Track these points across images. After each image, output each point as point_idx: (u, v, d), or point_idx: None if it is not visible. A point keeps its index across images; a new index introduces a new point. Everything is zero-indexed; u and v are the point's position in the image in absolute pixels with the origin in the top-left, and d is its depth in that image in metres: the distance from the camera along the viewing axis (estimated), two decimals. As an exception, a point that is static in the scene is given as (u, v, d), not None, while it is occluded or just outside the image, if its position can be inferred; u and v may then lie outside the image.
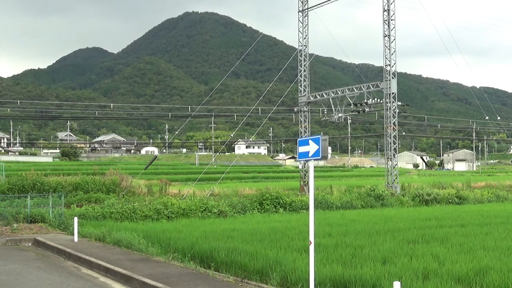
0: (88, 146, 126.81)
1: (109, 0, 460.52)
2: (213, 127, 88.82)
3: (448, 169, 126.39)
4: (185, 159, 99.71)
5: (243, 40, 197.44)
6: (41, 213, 20.20)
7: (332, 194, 32.09)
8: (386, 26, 35.17)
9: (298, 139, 9.21)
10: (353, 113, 39.42)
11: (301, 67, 40.40)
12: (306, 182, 37.89)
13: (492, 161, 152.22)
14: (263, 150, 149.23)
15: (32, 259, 13.84)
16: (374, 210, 26.16)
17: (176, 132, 56.66)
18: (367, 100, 36.58)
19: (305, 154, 8.64)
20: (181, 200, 25.39)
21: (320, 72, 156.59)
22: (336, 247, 12.81)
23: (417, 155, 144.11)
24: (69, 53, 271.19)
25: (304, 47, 40.43)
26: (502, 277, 9.22)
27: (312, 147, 8.46)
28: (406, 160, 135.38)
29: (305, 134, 39.33)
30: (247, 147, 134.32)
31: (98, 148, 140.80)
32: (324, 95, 39.89)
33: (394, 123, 34.95)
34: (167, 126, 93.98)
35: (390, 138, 35.08)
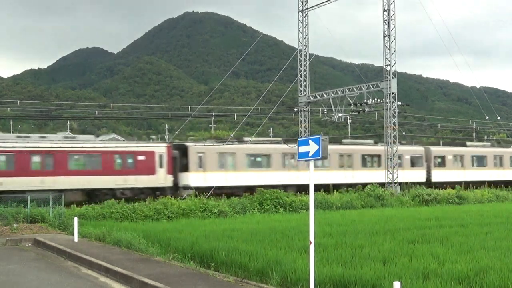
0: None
1: (109, 0, 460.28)
2: (213, 127, 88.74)
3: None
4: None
5: (243, 40, 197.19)
6: (41, 213, 20.21)
7: (332, 194, 32.10)
8: (386, 26, 35.17)
9: (298, 139, 9.21)
10: (353, 113, 39.42)
11: (301, 67, 40.40)
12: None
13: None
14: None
15: (32, 259, 13.84)
16: (374, 210, 26.18)
17: (176, 132, 56.61)
18: (367, 100, 36.59)
19: (305, 154, 8.64)
20: (181, 200, 25.39)
21: (320, 72, 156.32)
22: (336, 247, 12.82)
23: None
24: (69, 53, 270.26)
25: (304, 47, 40.43)
26: (502, 277, 9.22)
27: (312, 147, 8.47)
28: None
29: (305, 134, 39.32)
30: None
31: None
32: (324, 95, 39.88)
33: (394, 123, 34.95)
34: (167, 126, 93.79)
35: (390, 138, 35.08)
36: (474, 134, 78.74)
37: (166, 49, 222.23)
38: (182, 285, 9.61)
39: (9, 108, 64.18)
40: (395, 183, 34.68)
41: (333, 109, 38.56)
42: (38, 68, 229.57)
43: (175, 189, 32.10)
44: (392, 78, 34.65)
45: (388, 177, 35.03)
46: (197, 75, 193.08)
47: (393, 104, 34.72)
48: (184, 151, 33.04)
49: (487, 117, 64.57)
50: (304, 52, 40.46)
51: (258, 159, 35.02)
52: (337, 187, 33.52)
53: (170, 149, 33.06)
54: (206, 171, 33.00)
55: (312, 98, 40.38)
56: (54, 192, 26.15)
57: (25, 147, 28.90)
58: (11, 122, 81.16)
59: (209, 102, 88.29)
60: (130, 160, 31.60)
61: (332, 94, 39.01)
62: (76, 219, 16.51)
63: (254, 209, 24.67)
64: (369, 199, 29.28)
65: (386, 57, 35.03)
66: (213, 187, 30.78)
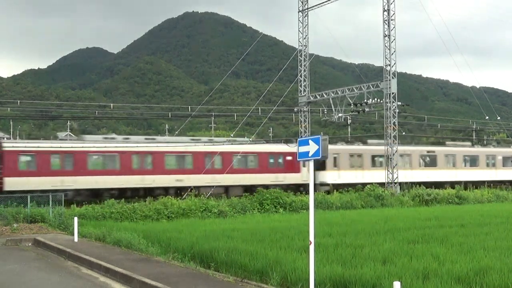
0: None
1: (109, 0, 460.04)
2: (213, 127, 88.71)
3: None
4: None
5: (243, 40, 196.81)
6: (41, 213, 20.19)
7: (332, 194, 32.10)
8: (386, 26, 35.17)
9: (298, 139, 9.21)
10: (353, 113, 39.44)
11: (301, 67, 40.40)
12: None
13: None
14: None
15: (32, 259, 13.84)
16: (374, 210, 26.18)
17: (176, 132, 56.66)
18: (367, 100, 36.60)
19: (305, 154, 8.64)
20: (181, 200, 25.40)
21: (320, 72, 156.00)
22: (336, 247, 12.81)
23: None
24: (69, 53, 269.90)
25: (304, 47, 40.43)
26: (502, 277, 9.21)
27: (312, 147, 8.47)
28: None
29: (305, 134, 39.33)
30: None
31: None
32: (324, 95, 39.89)
33: (394, 123, 34.96)
34: (167, 126, 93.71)
35: (390, 138, 35.08)
36: (474, 134, 78.68)
37: (166, 49, 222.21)
38: (182, 285, 9.61)
39: (9, 108, 64.21)
40: (395, 183, 34.70)
41: (333, 109, 38.57)
42: (38, 68, 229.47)
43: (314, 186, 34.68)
44: (392, 78, 34.65)
45: (388, 177, 35.03)
46: (197, 75, 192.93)
47: (393, 104, 34.72)
48: None
49: (487, 117, 64.55)
50: (304, 52, 40.46)
51: (380, 159, 39.44)
52: (442, 184, 39.46)
53: None
54: (340, 169, 37.82)
55: (312, 98, 40.38)
56: (221, 188, 32.69)
57: (198, 148, 33.38)
58: (11, 122, 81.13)
59: (209, 102, 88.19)
60: (280, 160, 36.22)
61: (332, 94, 39.01)
62: (76, 219, 16.51)
63: (254, 209, 24.66)
64: (369, 199, 29.27)
65: (386, 57, 35.03)
66: (346, 184, 35.46)
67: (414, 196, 31.34)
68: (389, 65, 34.90)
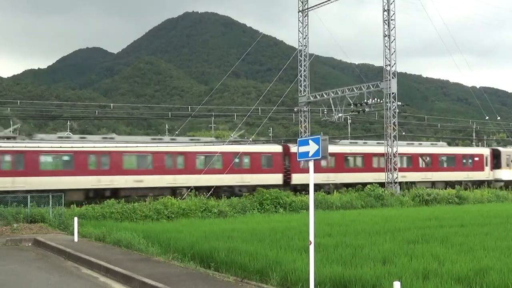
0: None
1: (109, 0, 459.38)
2: (213, 127, 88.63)
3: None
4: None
5: (243, 40, 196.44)
6: (41, 213, 20.19)
7: (332, 194, 32.09)
8: (386, 26, 35.17)
9: (298, 139, 9.20)
10: (353, 113, 39.42)
11: (301, 67, 40.39)
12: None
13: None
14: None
15: (32, 259, 13.84)
16: (374, 210, 26.17)
17: (176, 132, 56.61)
18: (367, 100, 36.58)
19: (305, 154, 8.64)
20: (181, 200, 25.40)
21: (320, 72, 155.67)
22: (336, 247, 12.81)
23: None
24: (69, 53, 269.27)
25: (304, 47, 40.43)
26: (502, 277, 9.22)
27: (312, 147, 8.46)
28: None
29: (305, 134, 39.32)
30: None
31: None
32: (324, 95, 39.88)
33: (394, 123, 34.95)
34: (167, 126, 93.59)
35: (390, 138, 35.07)
36: (474, 134, 78.65)
37: (166, 49, 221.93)
38: (182, 285, 9.61)
39: (9, 108, 64.16)
40: (395, 183, 34.69)
41: (333, 109, 38.56)
42: (38, 68, 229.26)
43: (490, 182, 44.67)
44: (392, 78, 34.65)
45: (388, 177, 35.02)
46: (197, 75, 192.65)
47: (393, 104, 34.72)
48: (496, 153, 45.65)
49: (487, 117, 64.52)
50: (304, 52, 40.45)
51: None
52: None
53: (491, 152, 45.70)
54: (511, 168, 45.60)
55: (312, 98, 40.38)
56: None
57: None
58: (11, 122, 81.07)
59: (209, 102, 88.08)
60: (470, 160, 44.34)
61: (332, 94, 39.01)
62: (76, 219, 16.52)
63: (254, 209, 24.66)
64: (369, 199, 29.27)
65: (386, 57, 35.03)
66: None
67: (414, 196, 31.34)
68: (389, 65, 34.90)
